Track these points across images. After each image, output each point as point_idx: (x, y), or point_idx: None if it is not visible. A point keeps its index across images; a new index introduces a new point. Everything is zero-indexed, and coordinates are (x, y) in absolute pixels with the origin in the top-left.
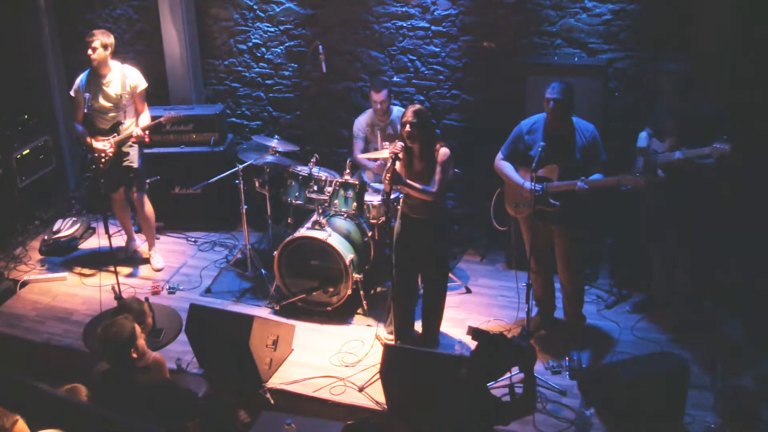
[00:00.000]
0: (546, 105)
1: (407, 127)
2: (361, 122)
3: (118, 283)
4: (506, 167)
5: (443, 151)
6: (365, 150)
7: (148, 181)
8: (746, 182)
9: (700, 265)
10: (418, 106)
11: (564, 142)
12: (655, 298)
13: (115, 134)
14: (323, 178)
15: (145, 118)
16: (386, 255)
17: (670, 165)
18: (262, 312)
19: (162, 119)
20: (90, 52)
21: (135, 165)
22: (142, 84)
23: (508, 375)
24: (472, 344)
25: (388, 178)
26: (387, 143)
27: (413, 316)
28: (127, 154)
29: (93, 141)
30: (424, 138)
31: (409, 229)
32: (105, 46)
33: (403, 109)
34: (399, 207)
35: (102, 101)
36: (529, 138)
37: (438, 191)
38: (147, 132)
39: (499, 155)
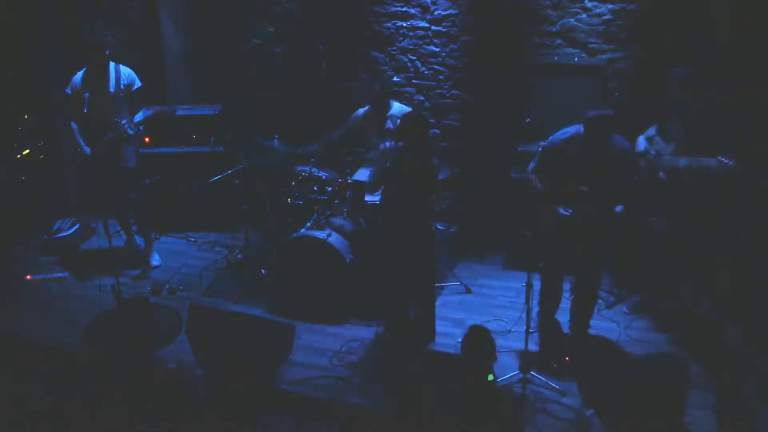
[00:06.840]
0: (592, 126)
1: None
2: (358, 115)
3: (118, 283)
4: (539, 182)
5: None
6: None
7: (147, 181)
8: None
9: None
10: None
11: (598, 160)
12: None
13: (109, 133)
14: (323, 178)
15: (138, 118)
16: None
17: (674, 170)
18: (261, 312)
19: (152, 114)
20: (106, 52)
21: (130, 165)
22: (136, 83)
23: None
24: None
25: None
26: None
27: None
28: (123, 154)
29: (88, 140)
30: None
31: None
32: (113, 46)
33: (402, 106)
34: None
35: (99, 100)
36: (563, 153)
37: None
38: (143, 130)
39: (531, 168)
